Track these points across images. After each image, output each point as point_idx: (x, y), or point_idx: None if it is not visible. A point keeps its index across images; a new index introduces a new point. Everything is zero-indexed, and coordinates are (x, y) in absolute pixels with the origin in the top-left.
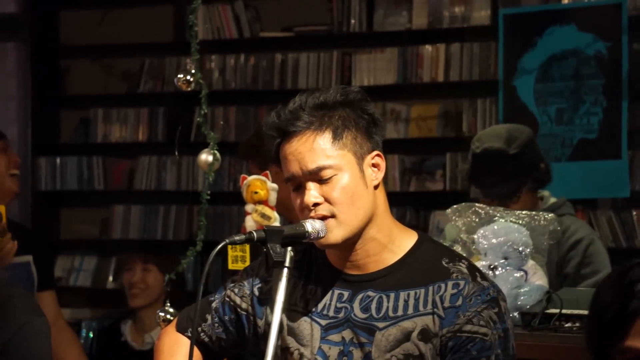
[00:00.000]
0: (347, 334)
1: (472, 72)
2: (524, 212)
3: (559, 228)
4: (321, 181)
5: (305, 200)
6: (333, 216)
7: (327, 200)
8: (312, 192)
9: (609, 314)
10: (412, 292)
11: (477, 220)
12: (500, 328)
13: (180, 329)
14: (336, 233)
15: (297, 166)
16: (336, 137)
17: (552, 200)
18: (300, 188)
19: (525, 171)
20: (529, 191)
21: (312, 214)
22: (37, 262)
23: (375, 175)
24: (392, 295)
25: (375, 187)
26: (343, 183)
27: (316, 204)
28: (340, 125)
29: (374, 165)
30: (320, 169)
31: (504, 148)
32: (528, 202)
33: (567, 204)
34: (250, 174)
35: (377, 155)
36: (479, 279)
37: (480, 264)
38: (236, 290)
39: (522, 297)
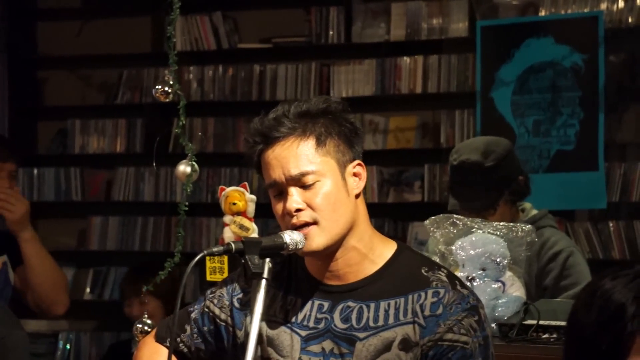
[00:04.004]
0: (327, 344)
1: (450, 83)
2: (501, 223)
3: (536, 239)
4: (304, 187)
5: (287, 206)
6: (315, 223)
7: (309, 206)
8: (295, 198)
9: (603, 339)
10: (392, 302)
11: (455, 231)
12: (480, 336)
13: (159, 339)
14: (318, 240)
15: (280, 172)
16: (319, 143)
17: (534, 212)
18: (281, 195)
19: (501, 184)
20: (506, 203)
21: (294, 220)
22: (13, 261)
23: (357, 184)
24: (372, 305)
25: (357, 197)
26: (325, 189)
27: (298, 210)
28: (323, 133)
29: (355, 174)
30: (303, 174)
31: (480, 161)
32: (506, 215)
33: (548, 216)
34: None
35: (359, 164)
36: (458, 287)
37: (458, 275)
38: (215, 301)
39: (499, 309)
